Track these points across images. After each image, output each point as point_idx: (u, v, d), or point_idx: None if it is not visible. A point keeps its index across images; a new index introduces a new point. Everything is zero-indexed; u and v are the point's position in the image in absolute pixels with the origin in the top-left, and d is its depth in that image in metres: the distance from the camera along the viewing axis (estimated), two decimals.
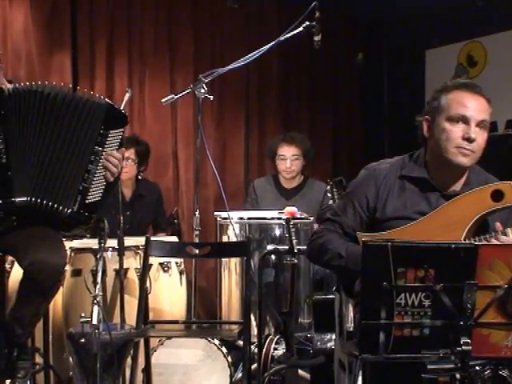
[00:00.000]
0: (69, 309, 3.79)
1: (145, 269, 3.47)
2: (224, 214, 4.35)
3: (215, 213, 4.56)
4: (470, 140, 2.50)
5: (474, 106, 2.52)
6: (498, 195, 2.50)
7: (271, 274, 4.13)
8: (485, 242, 2.43)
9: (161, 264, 3.91)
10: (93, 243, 3.70)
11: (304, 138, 5.06)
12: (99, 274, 2.80)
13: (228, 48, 6.07)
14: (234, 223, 4.29)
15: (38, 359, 3.64)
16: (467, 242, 2.44)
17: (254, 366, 3.66)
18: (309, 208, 4.63)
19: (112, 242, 3.67)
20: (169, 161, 5.90)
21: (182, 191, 5.96)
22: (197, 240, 4.00)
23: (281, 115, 6.54)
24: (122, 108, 3.42)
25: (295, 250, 3.53)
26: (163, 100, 4.05)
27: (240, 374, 3.72)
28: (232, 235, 4.34)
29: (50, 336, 3.54)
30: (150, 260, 3.55)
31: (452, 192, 2.61)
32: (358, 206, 2.65)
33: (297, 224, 4.06)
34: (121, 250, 3.64)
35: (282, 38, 4.05)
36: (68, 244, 3.69)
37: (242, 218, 4.34)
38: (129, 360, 3.36)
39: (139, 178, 5.01)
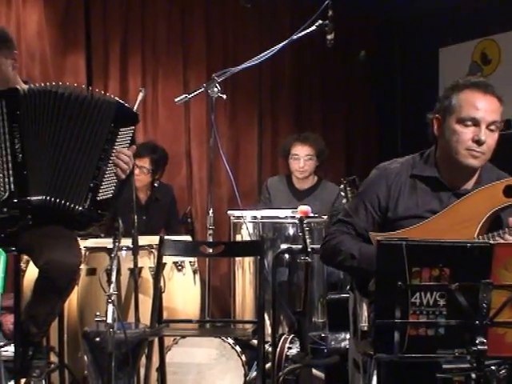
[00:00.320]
0: (84, 308, 3.80)
1: (159, 268, 3.47)
2: (237, 213, 4.35)
3: (229, 212, 4.57)
4: (479, 143, 2.49)
5: (484, 108, 2.50)
6: (510, 191, 2.49)
7: (285, 273, 4.13)
8: (500, 241, 2.42)
9: (175, 263, 3.91)
10: (107, 242, 3.71)
11: (318, 139, 5.04)
12: (114, 273, 2.81)
13: (241, 47, 6.07)
14: (247, 222, 4.29)
15: (53, 358, 3.66)
16: (482, 240, 2.43)
17: (268, 365, 3.66)
18: (321, 209, 4.61)
19: (126, 242, 3.68)
20: (182, 160, 5.91)
21: (196, 190, 5.96)
22: (210, 239, 4.00)
23: (294, 114, 6.54)
24: (135, 107, 3.44)
25: (309, 249, 3.52)
26: (177, 99, 4.06)
27: (254, 373, 3.73)
28: (246, 234, 4.34)
29: (65, 335, 3.56)
30: (164, 259, 3.56)
31: (464, 190, 2.60)
32: (370, 206, 2.65)
33: (310, 223, 4.06)
34: (135, 249, 3.65)
35: (294, 37, 4.05)
36: (83, 243, 3.71)
37: (255, 217, 4.34)
38: (143, 359, 3.36)
39: (155, 185, 5.01)
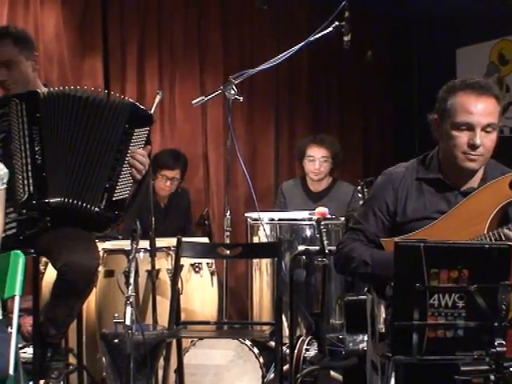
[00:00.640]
0: (102, 309, 3.82)
1: (176, 270, 3.49)
2: (254, 215, 4.35)
3: (246, 214, 4.57)
4: (474, 147, 2.50)
5: (479, 111, 2.49)
6: None
7: (302, 274, 4.13)
8: (509, 233, 2.42)
9: (192, 265, 3.92)
10: (125, 244, 3.72)
11: (334, 141, 5.03)
12: (132, 275, 2.82)
13: (257, 49, 6.07)
14: (264, 224, 4.30)
15: (72, 360, 3.68)
16: (501, 242, 2.42)
17: (285, 367, 3.66)
18: (337, 210, 4.59)
19: (144, 244, 3.70)
20: (199, 162, 5.92)
21: (213, 192, 5.97)
22: (227, 241, 4.01)
23: (310, 116, 6.53)
24: (152, 110, 3.46)
25: (326, 251, 3.51)
26: (194, 101, 4.06)
27: (272, 375, 3.73)
28: (263, 236, 4.34)
29: (84, 336, 3.58)
30: (182, 261, 3.57)
31: (470, 189, 2.61)
32: (379, 212, 2.67)
33: (327, 224, 4.05)
34: (153, 251, 3.66)
35: (311, 39, 4.04)
36: (101, 245, 3.73)
37: (272, 219, 4.35)
38: (161, 361, 3.38)
39: (179, 190, 5.05)
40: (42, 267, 3.81)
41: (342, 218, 4.37)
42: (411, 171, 2.69)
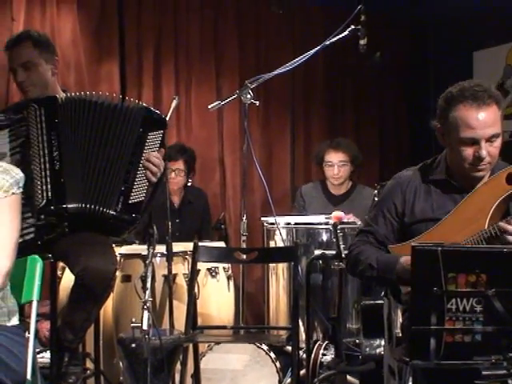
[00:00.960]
0: (119, 314, 3.83)
1: (193, 274, 3.49)
2: (271, 220, 4.35)
3: (262, 218, 4.57)
4: (480, 159, 2.52)
5: (481, 124, 2.50)
6: None
7: (319, 279, 4.12)
8: (506, 226, 2.41)
9: (209, 269, 3.92)
10: (142, 249, 3.73)
11: (351, 144, 5.02)
12: (149, 280, 2.82)
13: (273, 53, 6.07)
14: (281, 228, 4.29)
15: (89, 364, 3.70)
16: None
17: (302, 372, 3.66)
18: (358, 215, 4.58)
19: (161, 248, 3.70)
20: (215, 167, 5.92)
21: (229, 196, 5.97)
22: (244, 245, 4.01)
23: (326, 119, 6.51)
24: (169, 115, 3.47)
25: (343, 255, 3.51)
26: (210, 106, 4.08)
27: (289, 380, 3.71)
28: (279, 240, 4.34)
29: (101, 341, 3.58)
30: (198, 265, 3.58)
31: None
32: (388, 214, 2.72)
33: (344, 229, 4.04)
34: (169, 256, 3.67)
35: (327, 43, 4.04)
36: (118, 250, 3.74)
37: (289, 223, 4.34)
38: (178, 365, 3.38)
39: (188, 184, 5.04)
40: (59, 272, 3.82)
41: (359, 222, 4.35)
42: (419, 174, 2.74)
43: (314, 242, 4.28)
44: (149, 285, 2.80)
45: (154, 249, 2.96)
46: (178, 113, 5.64)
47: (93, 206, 3.13)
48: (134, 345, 3.17)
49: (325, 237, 4.27)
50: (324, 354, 3.67)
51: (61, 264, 3.70)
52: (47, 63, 3.36)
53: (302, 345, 3.71)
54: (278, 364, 3.62)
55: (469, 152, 2.53)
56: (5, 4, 5.08)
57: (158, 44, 5.70)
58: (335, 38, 4.01)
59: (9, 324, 2.51)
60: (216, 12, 5.95)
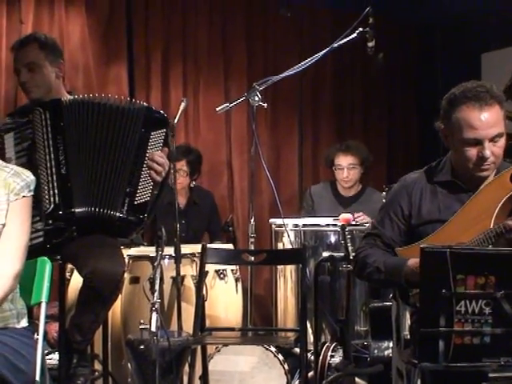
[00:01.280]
0: (127, 316, 3.83)
1: (201, 276, 3.49)
2: (279, 221, 4.35)
3: (270, 220, 4.57)
4: (484, 159, 2.53)
5: (483, 125, 2.50)
6: None
7: (327, 281, 4.12)
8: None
9: (217, 271, 3.93)
10: (150, 251, 3.74)
11: (360, 146, 5.01)
12: (157, 282, 2.83)
13: (281, 55, 6.07)
14: (289, 230, 4.29)
15: (97, 366, 3.70)
16: None
17: (310, 374, 3.65)
18: (368, 216, 4.58)
19: (169, 250, 3.71)
20: (223, 169, 5.93)
21: (237, 199, 5.98)
22: (252, 247, 4.01)
23: (334, 122, 6.51)
24: (177, 118, 3.48)
25: (351, 257, 3.51)
26: (218, 108, 4.08)
27: (297, 382, 3.72)
28: (287, 242, 4.34)
29: (109, 343, 3.59)
30: (206, 267, 3.58)
31: None
32: (394, 216, 2.72)
33: (352, 231, 4.04)
34: (177, 258, 3.67)
35: (335, 45, 4.04)
36: (126, 252, 3.74)
37: (297, 225, 4.34)
38: (186, 367, 3.38)
39: (192, 186, 5.04)
40: (67, 274, 3.83)
41: (367, 224, 4.34)
42: (425, 176, 2.75)
43: (322, 244, 4.28)
44: (157, 287, 2.80)
45: (162, 251, 2.96)
46: (186, 115, 5.65)
47: (99, 209, 3.13)
48: (142, 346, 3.17)
49: (333, 239, 4.27)
50: (332, 356, 3.67)
51: (69, 266, 3.70)
52: (52, 66, 3.36)
53: (310, 347, 3.71)
54: (286, 366, 3.62)
55: (472, 152, 2.53)
56: (13, 7, 5.10)
57: (167, 47, 5.71)
58: (343, 41, 4.01)
59: (18, 326, 2.51)
60: (224, 15, 5.96)
